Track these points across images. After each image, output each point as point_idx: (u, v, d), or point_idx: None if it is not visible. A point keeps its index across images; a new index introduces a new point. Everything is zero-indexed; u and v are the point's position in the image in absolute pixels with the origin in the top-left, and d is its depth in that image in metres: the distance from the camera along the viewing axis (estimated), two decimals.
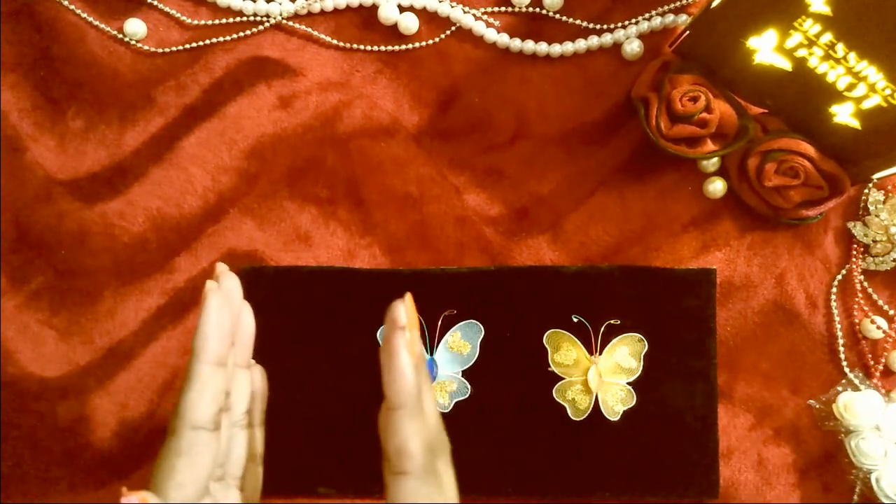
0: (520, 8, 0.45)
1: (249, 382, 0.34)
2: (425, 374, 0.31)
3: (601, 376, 0.42)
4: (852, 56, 0.35)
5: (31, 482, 0.44)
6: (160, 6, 0.45)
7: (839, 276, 0.44)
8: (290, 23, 0.45)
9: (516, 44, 0.44)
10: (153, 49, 0.45)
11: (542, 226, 0.45)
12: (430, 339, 0.43)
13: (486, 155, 0.45)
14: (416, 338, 0.30)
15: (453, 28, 0.45)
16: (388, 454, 0.28)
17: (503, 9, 0.45)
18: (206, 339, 0.29)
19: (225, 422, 0.31)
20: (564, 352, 0.43)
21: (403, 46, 0.45)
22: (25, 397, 0.44)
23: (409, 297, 0.30)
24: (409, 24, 0.44)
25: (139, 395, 0.44)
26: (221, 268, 0.33)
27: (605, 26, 0.45)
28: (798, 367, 0.44)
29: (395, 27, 0.45)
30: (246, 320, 0.34)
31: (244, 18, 0.45)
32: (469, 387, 0.43)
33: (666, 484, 0.42)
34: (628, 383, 0.43)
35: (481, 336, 0.43)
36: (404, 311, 0.29)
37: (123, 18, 0.45)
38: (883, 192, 0.44)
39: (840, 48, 0.35)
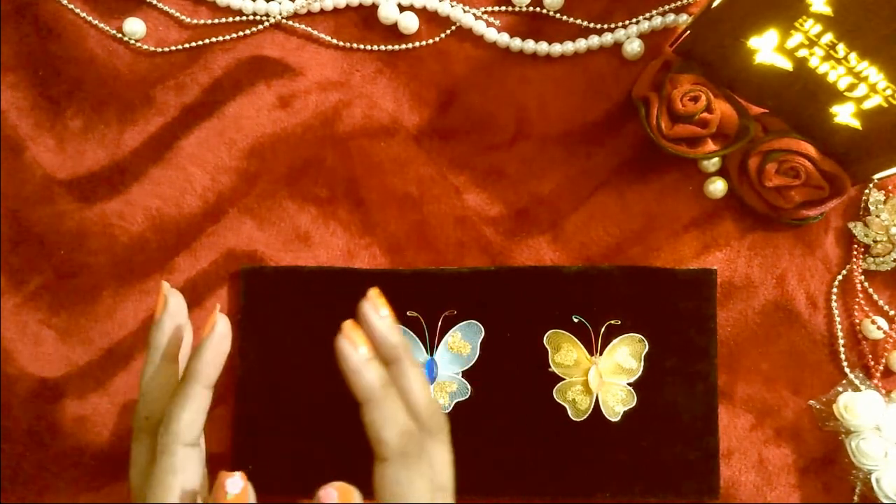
0: (520, 7, 0.45)
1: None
2: (408, 358, 0.31)
3: (601, 377, 0.42)
4: (853, 56, 0.35)
5: (31, 482, 0.44)
6: (159, 5, 0.45)
7: (840, 277, 0.44)
8: (290, 22, 0.45)
9: (516, 43, 0.44)
10: (152, 48, 0.45)
11: (542, 226, 0.45)
12: (431, 339, 0.43)
13: (486, 155, 0.45)
14: (388, 325, 0.30)
15: (453, 27, 0.45)
16: (371, 445, 0.29)
17: (503, 8, 0.45)
18: (208, 364, 0.30)
19: None
20: (565, 352, 0.42)
21: (403, 46, 0.45)
22: (25, 397, 0.44)
23: (373, 291, 0.31)
24: (409, 23, 0.44)
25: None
26: (167, 287, 0.34)
27: (605, 26, 0.44)
28: (798, 367, 0.44)
29: (394, 26, 0.45)
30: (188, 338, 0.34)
31: (244, 18, 0.45)
32: (469, 387, 0.43)
33: (666, 484, 0.42)
34: (629, 384, 0.43)
35: (481, 336, 0.43)
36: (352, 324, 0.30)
37: (123, 18, 0.45)
38: (883, 192, 0.44)
39: (841, 48, 0.35)
